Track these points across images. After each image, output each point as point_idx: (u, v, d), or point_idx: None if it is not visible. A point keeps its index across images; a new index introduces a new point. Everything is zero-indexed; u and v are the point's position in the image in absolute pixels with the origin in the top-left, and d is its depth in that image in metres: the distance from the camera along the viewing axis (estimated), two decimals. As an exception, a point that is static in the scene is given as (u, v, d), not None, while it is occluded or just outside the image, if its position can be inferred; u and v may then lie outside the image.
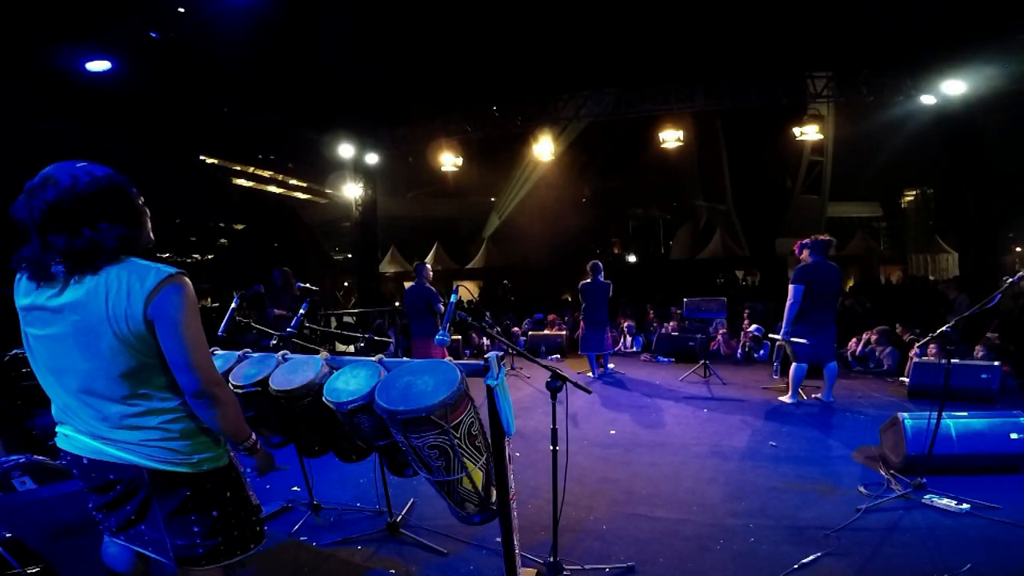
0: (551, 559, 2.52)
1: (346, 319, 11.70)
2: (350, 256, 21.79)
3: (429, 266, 6.70)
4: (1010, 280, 3.40)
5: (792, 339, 5.47)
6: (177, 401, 1.61)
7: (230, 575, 1.76)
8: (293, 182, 36.56)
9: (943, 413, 3.43)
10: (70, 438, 1.63)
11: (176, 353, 1.53)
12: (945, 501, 3.18)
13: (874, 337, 7.31)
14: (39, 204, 1.47)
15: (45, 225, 1.48)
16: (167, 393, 1.60)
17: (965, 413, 3.69)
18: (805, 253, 5.56)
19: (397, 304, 14.24)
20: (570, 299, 15.81)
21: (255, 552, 1.76)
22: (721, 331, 8.91)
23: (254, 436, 1.74)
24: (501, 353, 2.23)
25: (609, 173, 26.61)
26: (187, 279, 1.56)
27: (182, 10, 7.20)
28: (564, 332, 9.88)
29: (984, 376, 5.37)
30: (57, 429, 1.67)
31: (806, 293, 5.36)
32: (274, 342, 3.03)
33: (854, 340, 7.62)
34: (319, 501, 3.33)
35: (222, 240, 22.71)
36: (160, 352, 1.54)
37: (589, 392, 2.68)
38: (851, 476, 3.73)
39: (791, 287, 5.45)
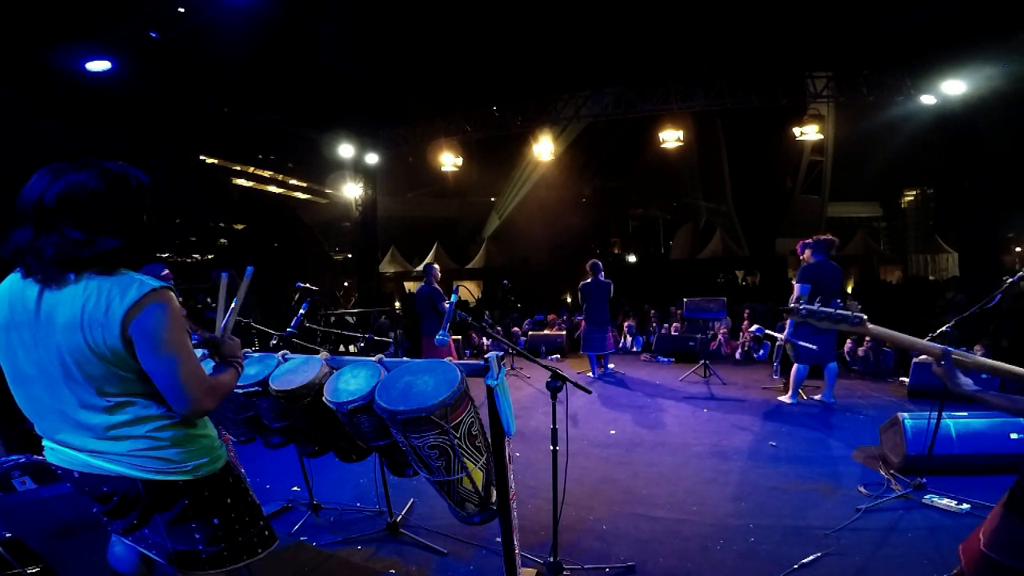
0: (551, 559, 2.52)
1: (346, 319, 11.70)
2: (350, 256, 21.80)
3: (437, 267, 6.90)
4: (1010, 280, 3.40)
5: (799, 343, 5.43)
6: (164, 408, 1.52)
7: None
8: (293, 182, 36.58)
9: (943, 413, 3.43)
10: (57, 451, 1.56)
11: (162, 371, 1.44)
12: (945, 501, 3.17)
13: (868, 343, 7.30)
14: (68, 189, 1.39)
15: (57, 214, 1.39)
16: (151, 401, 1.51)
17: (965, 413, 3.68)
18: (807, 253, 5.53)
19: (397, 305, 14.26)
20: (569, 299, 15.82)
21: (265, 555, 1.71)
22: (722, 331, 8.91)
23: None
24: (501, 353, 2.23)
25: (609, 173, 26.66)
26: (171, 293, 1.46)
27: (182, 10, 7.20)
28: (564, 332, 9.89)
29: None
30: (44, 443, 1.60)
31: (811, 293, 5.33)
32: (274, 342, 3.03)
33: (850, 341, 7.61)
34: (319, 501, 3.33)
35: (222, 240, 22.71)
36: (138, 368, 1.45)
37: (589, 392, 2.67)
38: (851, 476, 3.73)
39: (796, 286, 5.41)
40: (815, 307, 1.82)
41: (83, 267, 1.42)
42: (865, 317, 1.79)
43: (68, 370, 1.44)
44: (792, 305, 1.85)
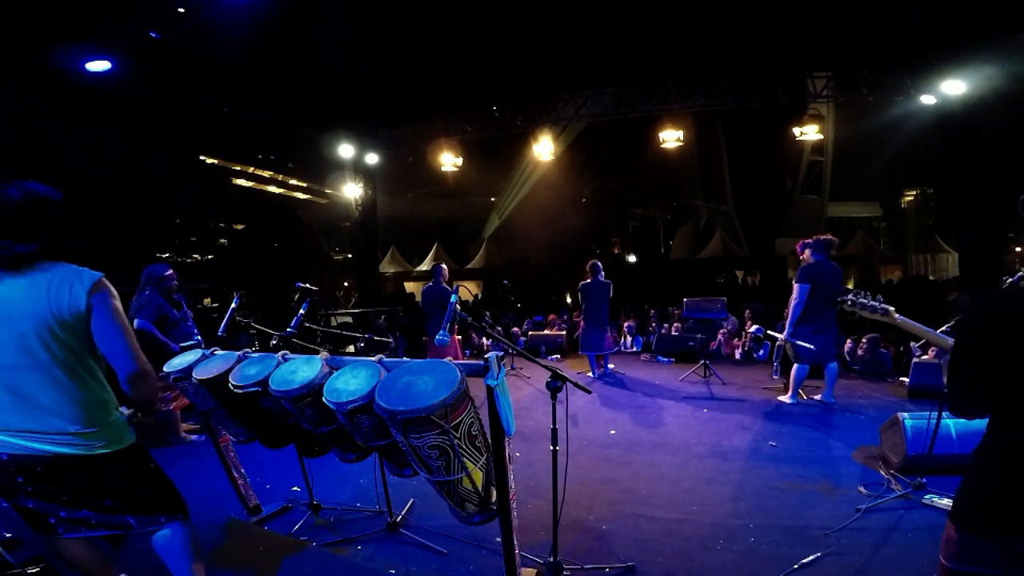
0: (551, 559, 2.52)
1: (345, 319, 11.70)
2: (350, 256, 21.80)
3: (445, 267, 7.20)
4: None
5: (798, 343, 5.43)
6: (104, 391, 1.80)
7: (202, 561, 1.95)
8: (293, 182, 36.59)
9: (943, 413, 3.43)
10: None
11: (114, 340, 1.76)
12: (945, 501, 3.17)
13: (864, 345, 7.29)
14: (24, 200, 1.70)
15: (15, 220, 1.68)
16: (93, 382, 1.78)
17: (965, 413, 3.68)
18: (807, 253, 5.51)
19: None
20: (569, 299, 15.82)
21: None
22: (721, 331, 8.90)
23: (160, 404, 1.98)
24: (501, 353, 2.23)
25: (609, 173, 26.67)
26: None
27: (182, 10, 7.20)
28: (564, 332, 9.88)
29: None
30: None
31: (810, 293, 5.31)
32: (274, 342, 3.03)
33: (850, 341, 7.61)
34: (319, 501, 3.33)
35: (222, 240, 22.71)
36: (89, 344, 1.74)
37: (589, 392, 2.67)
38: (851, 476, 3.73)
39: (796, 286, 5.39)
40: (859, 298, 2.43)
41: (35, 260, 1.73)
42: (892, 308, 2.39)
43: (32, 352, 1.67)
44: (845, 298, 2.44)
